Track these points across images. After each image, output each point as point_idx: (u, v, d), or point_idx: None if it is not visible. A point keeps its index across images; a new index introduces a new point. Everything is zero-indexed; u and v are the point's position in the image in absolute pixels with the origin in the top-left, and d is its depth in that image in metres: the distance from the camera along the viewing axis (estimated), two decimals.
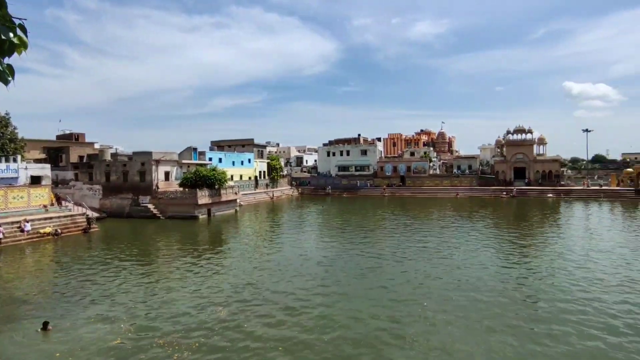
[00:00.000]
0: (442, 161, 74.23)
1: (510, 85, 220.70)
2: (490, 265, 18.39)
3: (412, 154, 73.96)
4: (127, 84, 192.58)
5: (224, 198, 41.26)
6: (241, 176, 57.63)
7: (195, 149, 49.16)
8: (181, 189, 39.02)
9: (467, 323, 11.68)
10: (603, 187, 58.05)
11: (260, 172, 63.45)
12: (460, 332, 11.09)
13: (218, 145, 61.91)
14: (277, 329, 11.48)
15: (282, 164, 74.23)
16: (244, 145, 64.27)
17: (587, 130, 66.95)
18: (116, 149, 53.43)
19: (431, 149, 77.19)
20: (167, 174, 41.74)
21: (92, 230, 30.16)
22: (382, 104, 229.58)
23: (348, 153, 74.87)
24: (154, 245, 25.78)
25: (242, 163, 58.63)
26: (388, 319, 12.08)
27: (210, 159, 50.43)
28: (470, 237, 25.83)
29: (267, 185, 63.57)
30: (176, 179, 42.25)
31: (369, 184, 69.68)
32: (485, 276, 16.53)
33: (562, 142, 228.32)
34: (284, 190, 67.11)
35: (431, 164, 69.95)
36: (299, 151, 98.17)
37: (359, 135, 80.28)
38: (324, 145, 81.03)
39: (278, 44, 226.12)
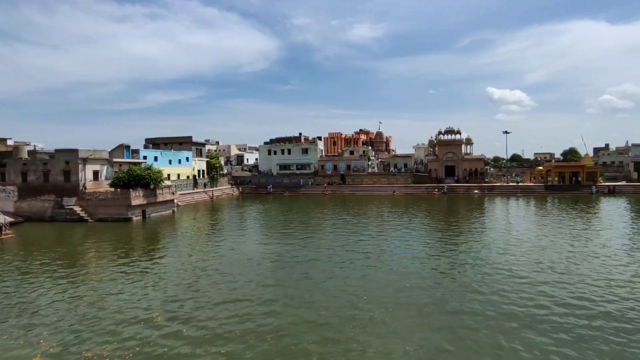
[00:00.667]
0: (380, 160, 77.26)
1: (441, 89, 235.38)
2: (424, 257, 19.70)
3: (352, 152, 76.09)
4: (49, 75, 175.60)
5: (160, 198, 39.42)
6: (179, 175, 55.36)
7: (127, 147, 46.26)
8: (112, 189, 36.61)
9: (401, 314, 12.46)
10: (519, 184, 64.33)
11: (199, 171, 61.40)
12: (397, 324, 11.80)
13: (153, 143, 58.76)
14: (217, 334, 11.35)
15: (222, 162, 72.50)
16: (182, 143, 61.71)
17: (506, 132, 73.47)
18: (34, 145, 48.57)
19: (370, 148, 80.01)
20: (96, 174, 38.88)
21: (4, 236, 27.30)
22: (322, 103, 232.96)
23: (289, 152, 75.08)
24: (81, 251, 23.98)
25: (179, 162, 56.31)
26: (329, 315, 12.48)
27: (144, 158, 47.78)
28: (406, 232, 27.36)
29: (206, 184, 61.72)
30: (107, 178, 39.53)
31: (310, 183, 70.49)
32: (419, 267, 17.72)
33: (485, 142, 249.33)
34: (224, 189, 65.62)
35: (370, 163, 72.50)
36: (239, 150, 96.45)
37: (300, 134, 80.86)
38: (265, 143, 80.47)
39: (217, 39, 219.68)
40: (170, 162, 53.90)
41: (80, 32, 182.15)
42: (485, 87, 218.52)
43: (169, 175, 50.78)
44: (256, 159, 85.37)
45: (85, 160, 37.51)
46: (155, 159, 50.19)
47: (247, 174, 77.14)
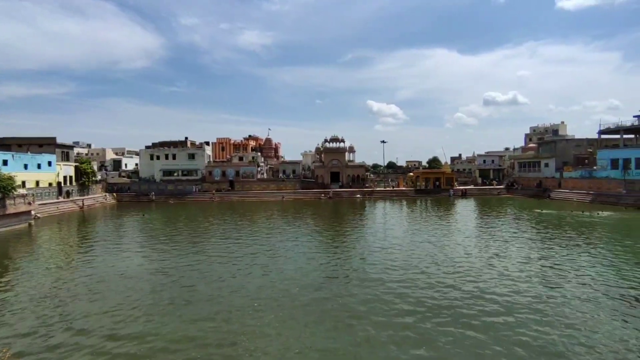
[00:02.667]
0: (269, 166, 78.30)
1: (327, 99, 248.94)
2: (312, 260, 20.76)
3: (241, 158, 75.62)
4: None
5: (10, 210, 33.81)
6: (38, 182, 48.03)
7: None
8: None
9: (290, 318, 13.29)
10: (394, 188, 72.02)
11: (65, 177, 54.06)
12: (286, 329, 12.46)
13: (3, 144, 49.91)
14: None
15: (95, 168, 65.07)
16: (42, 144, 53.66)
17: (383, 142, 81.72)
18: None
19: (259, 154, 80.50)
20: None
21: None
22: (210, 107, 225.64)
23: (174, 157, 71.15)
24: None
25: (39, 166, 48.84)
26: (220, 328, 12.48)
27: None
28: (295, 236, 28.57)
29: (69, 192, 54.58)
30: None
31: (197, 189, 67.84)
32: (308, 270, 18.79)
33: (366, 151, 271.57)
34: (97, 198, 58.96)
35: (259, 169, 72.98)
36: (117, 154, 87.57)
37: (187, 138, 77.24)
38: (147, 147, 74.74)
39: (88, 29, 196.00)
40: (26, 166, 46.48)
41: None
42: (365, 100, 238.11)
43: (24, 182, 43.80)
44: (136, 164, 78.62)
45: None
46: (5, 162, 42.81)
47: (126, 180, 70.56)
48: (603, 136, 57.21)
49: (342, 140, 74.91)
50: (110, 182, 67.74)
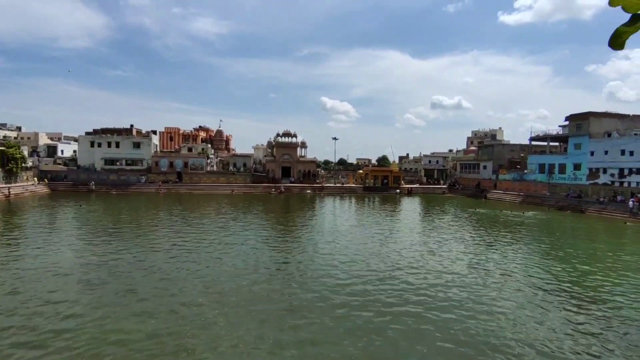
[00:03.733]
0: (219, 158, 76.77)
1: (281, 93, 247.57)
2: (261, 254, 20.82)
3: (190, 149, 73.45)
4: None
5: None
6: None
7: None
8: None
9: (239, 313, 13.42)
10: (344, 185, 73.64)
11: None
12: (235, 324, 12.63)
13: None
14: None
15: (26, 153, 60.05)
16: None
17: (335, 138, 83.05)
18: None
19: (209, 145, 78.62)
20: None
21: None
22: (159, 95, 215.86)
23: (118, 145, 67.56)
24: None
25: None
26: (160, 325, 12.41)
27: None
28: (245, 229, 28.48)
29: None
30: None
31: (143, 180, 64.99)
32: (256, 264, 18.92)
33: (318, 147, 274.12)
34: (27, 186, 54.54)
35: (209, 161, 71.35)
36: (51, 139, 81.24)
37: (132, 126, 73.52)
38: (88, 134, 70.25)
39: (21, 0, 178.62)
40: None
41: None
42: (319, 96, 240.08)
43: None
44: (74, 151, 73.57)
45: None
46: None
47: (62, 168, 65.92)
48: (533, 142, 62.43)
49: (295, 135, 75.22)
50: (43, 169, 62.90)
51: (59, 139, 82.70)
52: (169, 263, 18.74)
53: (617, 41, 1.68)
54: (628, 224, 35.25)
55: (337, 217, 38.31)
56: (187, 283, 15.72)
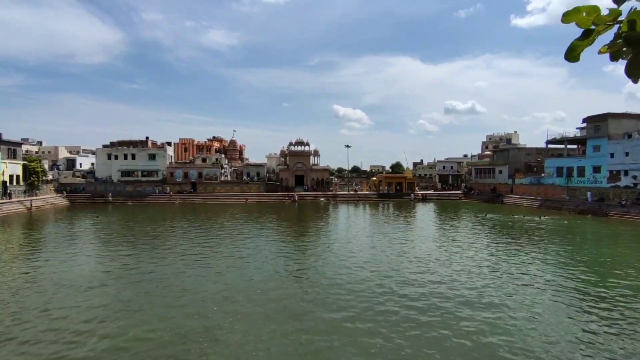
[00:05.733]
0: (233, 168, 77.52)
1: (293, 102, 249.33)
2: (276, 263, 20.84)
3: (204, 160, 74.37)
4: None
5: None
6: None
7: None
8: None
9: (258, 323, 13.45)
10: (358, 192, 73.34)
11: (11, 176, 51.11)
12: (253, 332, 12.67)
13: None
14: None
15: (46, 167, 61.90)
16: None
17: (348, 146, 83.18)
18: None
19: (223, 155, 79.49)
20: None
21: None
22: (173, 107, 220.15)
23: (134, 157, 68.93)
24: None
25: None
26: (176, 330, 12.57)
27: None
28: (260, 238, 28.56)
29: (17, 192, 51.68)
30: None
31: (158, 191, 66.05)
32: (273, 272, 18.93)
33: (331, 154, 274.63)
34: (48, 199, 56.03)
35: (222, 171, 72.10)
36: (70, 152, 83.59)
37: (147, 138, 75.00)
38: (105, 146, 71.95)
39: (41, 19, 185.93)
40: None
41: None
42: (332, 105, 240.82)
43: None
44: (92, 164, 75.44)
45: None
46: None
47: (81, 180, 67.58)
48: (550, 146, 61.17)
49: (307, 144, 75.50)
50: (62, 182, 64.61)
51: (78, 152, 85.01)
52: (184, 272, 18.89)
53: (572, 54, 1.81)
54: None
55: (351, 224, 38.12)
56: (203, 291, 15.84)
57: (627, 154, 44.95)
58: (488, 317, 13.11)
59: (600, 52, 1.91)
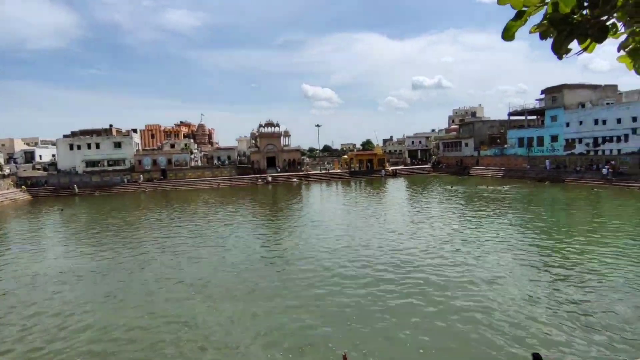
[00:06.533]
0: (203, 153, 76.14)
1: (262, 83, 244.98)
2: (252, 244, 21.12)
3: (173, 145, 72.61)
4: None
5: None
6: None
7: None
8: None
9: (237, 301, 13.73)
10: (330, 171, 74.05)
11: None
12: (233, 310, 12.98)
13: None
14: None
15: (1, 160, 58.62)
16: None
17: (318, 125, 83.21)
18: None
19: (192, 140, 77.82)
20: None
21: None
22: (137, 92, 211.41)
23: (98, 146, 66.28)
24: None
25: None
26: (156, 319, 12.71)
27: None
28: (234, 221, 28.67)
29: None
30: None
31: (126, 180, 64.17)
32: (250, 254, 19.25)
33: (301, 135, 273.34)
34: (6, 194, 53.28)
35: (192, 156, 70.72)
36: (28, 144, 79.24)
37: (111, 126, 72.04)
38: (65, 137, 68.66)
39: None
40: None
41: None
42: (300, 84, 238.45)
43: None
44: (53, 156, 71.96)
45: None
46: None
47: (42, 173, 64.49)
48: (512, 117, 63.64)
49: (278, 125, 74.98)
50: (22, 175, 61.44)
51: (36, 144, 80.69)
52: (157, 260, 18.88)
53: (508, 33, 2.08)
54: (595, 190, 37.00)
55: (324, 202, 38.82)
56: (178, 277, 15.96)
57: (580, 122, 47.61)
58: (455, 277, 14.09)
59: (531, 32, 2.29)
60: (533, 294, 12.54)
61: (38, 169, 66.70)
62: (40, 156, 74.23)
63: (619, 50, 2.30)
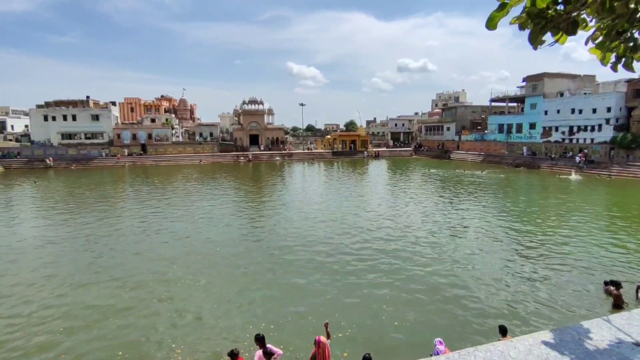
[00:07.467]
0: (184, 128, 74.77)
1: (246, 59, 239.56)
2: (235, 222, 21.32)
3: (153, 120, 70.95)
4: None
5: None
6: None
7: None
8: None
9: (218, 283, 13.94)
10: (312, 151, 74.12)
11: None
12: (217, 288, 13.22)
13: None
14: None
15: None
16: None
17: (302, 104, 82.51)
18: None
19: (173, 115, 76.14)
20: None
21: None
22: (115, 64, 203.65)
23: (74, 118, 64.18)
24: None
25: None
26: (135, 295, 12.78)
27: None
28: (215, 198, 28.64)
29: None
30: None
31: (105, 154, 62.66)
32: (230, 233, 19.40)
33: (285, 113, 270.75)
34: None
35: (174, 131, 69.41)
36: None
37: (88, 97, 69.73)
38: (39, 107, 66.13)
39: None
40: None
41: None
42: (285, 62, 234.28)
43: None
44: (26, 126, 69.39)
45: None
46: None
47: (15, 144, 62.28)
48: (493, 104, 64.78)
49: (261, 103, 74.06)
50: None
51: (7, 114, 77.41)
52: (135, 235, 18.86)
53: (491, 23, 2.28)
54: (561, 176, 38.70)
55: (306, 182, 39.09)
56: (157, 254, 16.03)
57: (558, 111, 48.93)
58: (428, 254, 14.72)
59: (511, 23, 2.52)
60: (501, 271, 13.29)
61: (10, 140, 64.32)
62: (12, 127, 71.53)
63: (586, 44, 2.56)
